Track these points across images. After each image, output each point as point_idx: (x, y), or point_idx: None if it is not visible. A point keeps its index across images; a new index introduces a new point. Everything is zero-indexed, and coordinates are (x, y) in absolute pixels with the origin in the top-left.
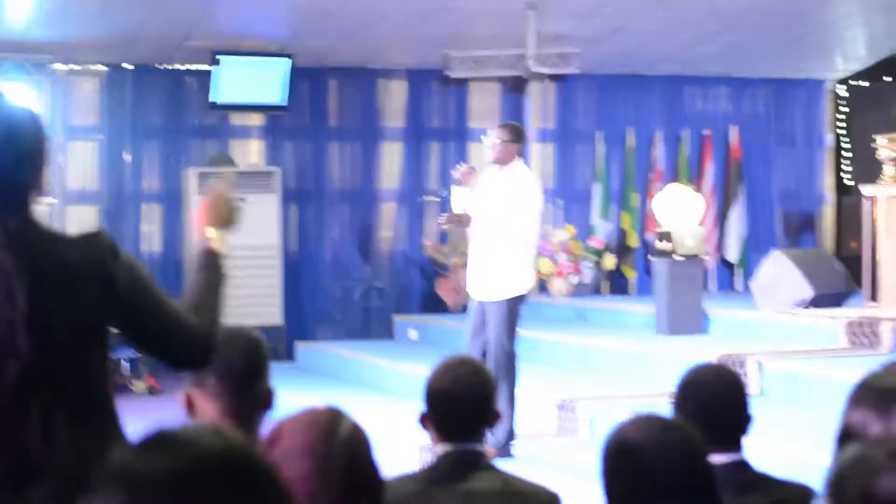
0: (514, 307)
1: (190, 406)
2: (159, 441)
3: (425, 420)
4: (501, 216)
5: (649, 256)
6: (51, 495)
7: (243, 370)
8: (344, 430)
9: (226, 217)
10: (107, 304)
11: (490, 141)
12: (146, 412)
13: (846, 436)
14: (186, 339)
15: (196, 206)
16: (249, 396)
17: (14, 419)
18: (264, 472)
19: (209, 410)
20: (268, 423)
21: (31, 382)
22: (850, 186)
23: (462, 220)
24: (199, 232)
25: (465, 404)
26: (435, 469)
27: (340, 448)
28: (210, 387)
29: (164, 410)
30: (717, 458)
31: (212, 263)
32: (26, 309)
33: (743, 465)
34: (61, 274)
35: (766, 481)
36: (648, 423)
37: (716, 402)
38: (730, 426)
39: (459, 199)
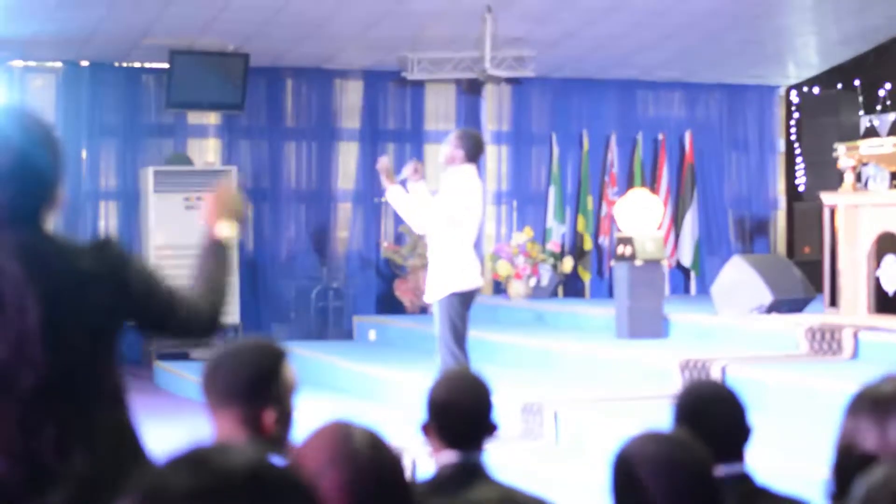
0: (452, 304)
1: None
2: (189, 458)
3: (427, 430)
4: (438, 217)
5: (611, 262)
6: (68, 502)
7: (248, 380)
8: (358, 435)
9: (233, 212)
10: (121, 309)
11: (449, 142)
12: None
13: (845, 446)
14: (195, 313)
15: (206, 200)
16: (261, 407)
17: (30, 428)
18: (297, 489)
19: (223, 422)
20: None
21: (46, 391)
22: (802, 192)
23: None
24: (211, 224)
25: (466, 415)
26: (436, 479)
27: (361, 451)
28: (218, 397)
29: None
30: (720, 471)
31: (220, 252)
32: (40, 319)
33: (745, 478)
34: (74, 283)
35: (767, 495)
36: (656, 439)
37: (716, 414)
38: (731, 438)
39: (417, 194)
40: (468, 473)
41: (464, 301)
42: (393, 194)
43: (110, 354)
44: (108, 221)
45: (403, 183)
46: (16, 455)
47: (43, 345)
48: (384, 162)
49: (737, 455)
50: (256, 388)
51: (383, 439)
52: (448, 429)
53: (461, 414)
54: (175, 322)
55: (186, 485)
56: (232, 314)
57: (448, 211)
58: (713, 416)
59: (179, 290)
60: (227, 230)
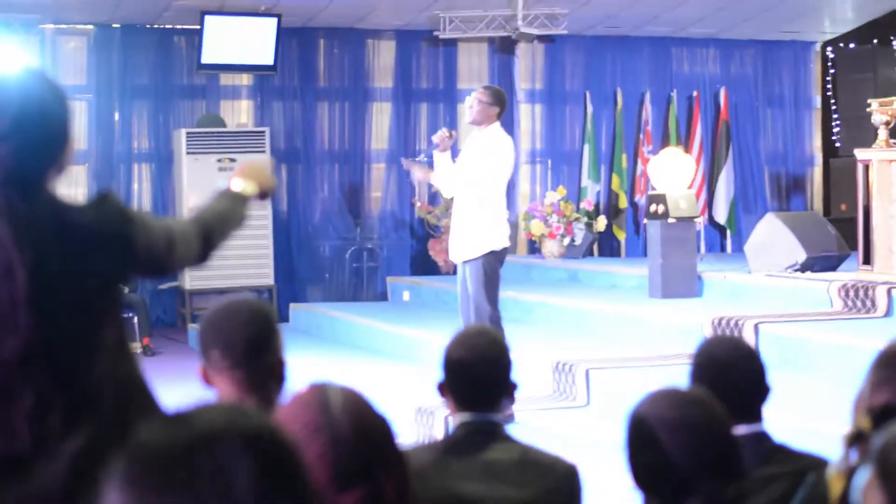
0: (487, 264)
1: (207, 380)
2: (174, 417)
3: (443, 389)
4: (469, 177)
5: (644, 220)
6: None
7: (247, 341)
8: (335, 396)
9: (259, 180)
10: (124, 265)
11: (470, 101)
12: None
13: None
14: (187, 250)
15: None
16: (257, 368)
17: (8, 395)
18: (285, 449)
19: (221, 383)
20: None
21: (32, 357)
22: (839, 148)
23: (421, 169)
24: (231, 180)
25: (482, 375)
26: (453, 439)
27: (339, 411)
28: (216, 359)
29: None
30: (738, 430)
31: (230, 198)
32: (27, 284)
33: (763, 437)
34: (72, 244)
35: (785, 452)
36: (671, 398)
37: (734, 373)
38: (749, 397)
39: (440, 164)
40: (485, 433)
41: (499, 260)
42: (440, 160)
43: (112, 310)
44: (141, 184)
45: (431, 145)
46: None
47: (29, 310)
48: (443, 135)
49: (755, 414)
50: (256, 348)
51: (366, 402)
52: (463, 388)
53: (477, 374)
54: (170, 263)
55: (167, 441)
56: (266, 276)
57: (491, 171)
58: (731, 375)
59: (174, 228)
60: (243, 185)
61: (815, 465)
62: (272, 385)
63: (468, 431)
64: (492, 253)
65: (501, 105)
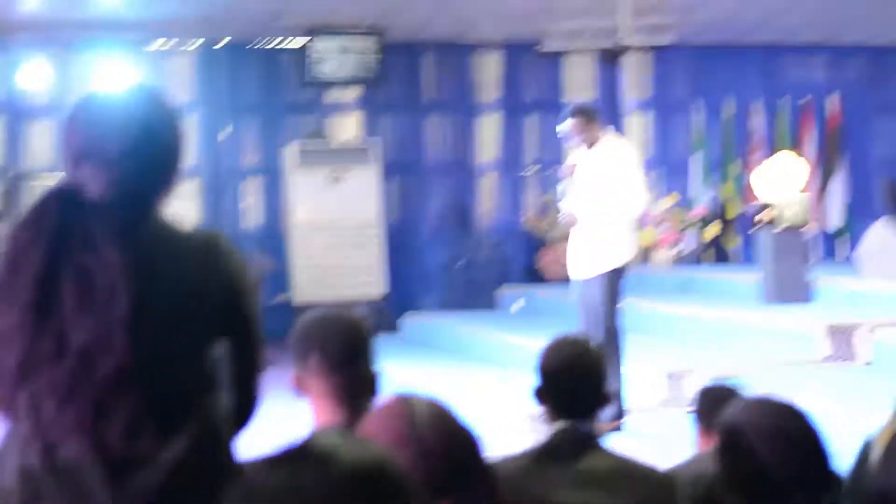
0: (612, 281)
1: (299, 386)
2: (291, 456)
3: (539, 396)
4: (600, 194)
5: (752, 228)
6: (145, 489)
7: (342, 350)
8: (421, 408)
9: None
10: (219, 308)
11: (567, 129)
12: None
13: None
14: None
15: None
16: (351, 377)
17: (104, 414)
18: (400, 481)
19: (315, 391)
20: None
21: (126, 379)
22: None
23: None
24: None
25: (576, 384)
26: (548, 447)
27: (426, 423)
28: (312, 366)
29: (268, 383)
30: None
31: None
32: (128, 308)
33: None
34: (179, 272)
35: None
36: (765, 406)
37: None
38: None
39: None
40: (580, 442)
41: (623, 275)
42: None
43: (208, 337)
44: (249, 199)
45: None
46: (88, 440)
47: (128, 334)
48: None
49: None
50: (353, 355)
51: (452, 415)
52: (559, 396)
53: (572, 382)
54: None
55: (288, 484)
56: (377, 287)
57: (636, 183)
58: None
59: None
60: None
61: None
62: (365, 395)
63: (563, 440)
64: (617, 270)
65: (591, 116)
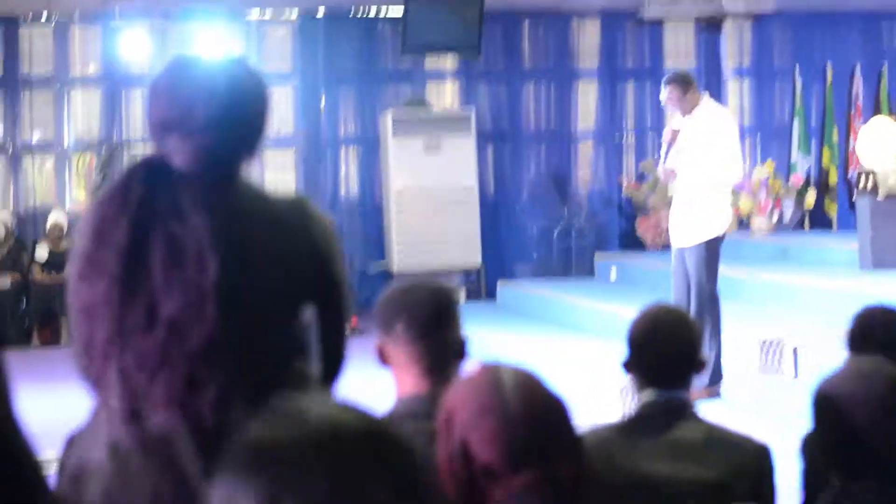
0: (711, 249)
1: (383, 356)
2: (284, 414)
3: (629, 366)
4: (699, 162)
5: (853, 197)
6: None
7: (428, 317)
8: (507, 376)
9: None
10: (308, 274)
11: (664, 97)
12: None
13: None
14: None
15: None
16: (438, 344)
17: (195, 384)
18: (403, 451)
19: (400, 358)
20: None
21: (217, 349)
22: None
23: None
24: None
25: (668, 352)
26: (638, 418)
27: (513, 392)
28: (398, 334)
29: (363, 350)
30: None
31: None
32: (218, 276)
33: None
34: (269, 236)
35: None
36: (854, 374)
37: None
38: None
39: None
40: (671, 412)
41: (721, 243)
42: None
43: (298, 304)
44: (348, 166)
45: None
46: (179, 412)
47: (218, 303)
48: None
49: None
50: (439, 321)
51: (540, 383)
52: (649, 366)
53: (662, 351)
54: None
55: (280, 436)
56: (474, 255)
57: (733, 151)
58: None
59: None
60: None
61: None
62: (451, 363)
63: (654, 410)
64: (717, 238)
65: (689, 83)
